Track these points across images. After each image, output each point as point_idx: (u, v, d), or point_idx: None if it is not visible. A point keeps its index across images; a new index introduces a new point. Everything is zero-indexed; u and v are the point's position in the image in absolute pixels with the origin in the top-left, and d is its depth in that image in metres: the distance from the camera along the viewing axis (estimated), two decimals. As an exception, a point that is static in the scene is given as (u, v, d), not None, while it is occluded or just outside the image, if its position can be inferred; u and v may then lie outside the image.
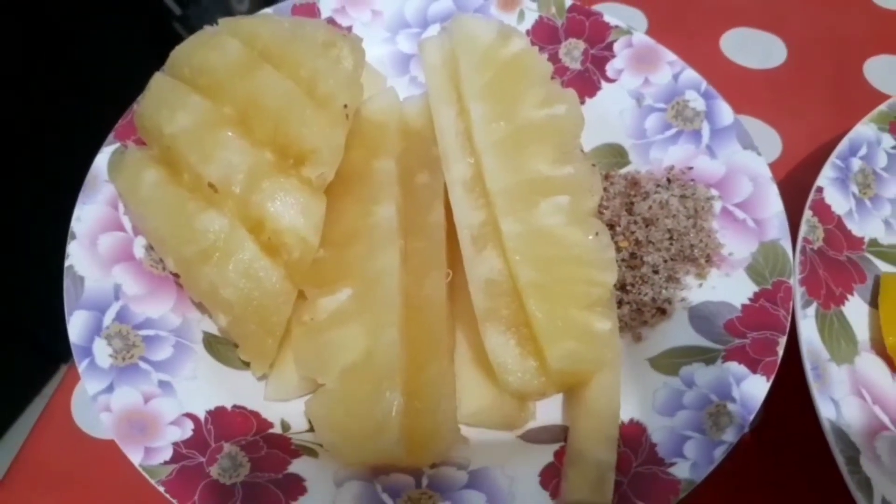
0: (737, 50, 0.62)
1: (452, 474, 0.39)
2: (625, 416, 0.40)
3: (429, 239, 0.43)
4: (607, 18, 0.54)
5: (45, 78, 0.82)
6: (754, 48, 0.62)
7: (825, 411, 0.38)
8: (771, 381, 0.39)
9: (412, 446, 0.38)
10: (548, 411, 0.42)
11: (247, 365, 0.42)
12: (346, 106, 0.43)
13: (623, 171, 0.50)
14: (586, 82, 0.53)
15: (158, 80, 0.44)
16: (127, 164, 0.43)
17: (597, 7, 0.63)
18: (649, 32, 0.63)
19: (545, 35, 0.55)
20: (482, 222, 0.43)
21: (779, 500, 0.42)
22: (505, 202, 0.43)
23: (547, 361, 0.39)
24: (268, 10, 0.54)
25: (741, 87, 0.59)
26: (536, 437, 0.41)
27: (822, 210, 0.45)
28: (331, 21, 0.55)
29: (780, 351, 0.40)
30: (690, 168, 0.48)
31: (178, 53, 0.45)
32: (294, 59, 0.44)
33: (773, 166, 0.55)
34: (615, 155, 0.51)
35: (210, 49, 0.44)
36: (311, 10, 0.55)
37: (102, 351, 0.40)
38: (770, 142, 0.57)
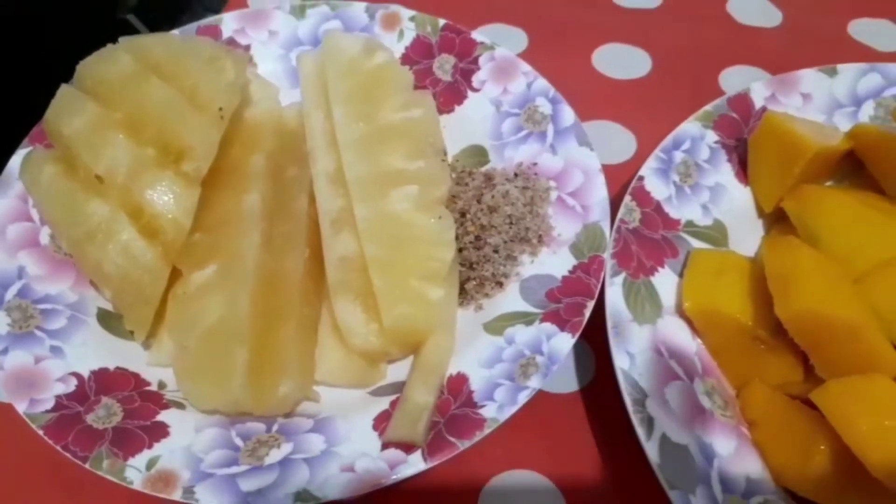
0: (607, 63, 0.69)
1: (300, 422, 0.45)
2: (454, 369, 0.46)
3: (293, 223, 0.50)
4: (475, 36, 0.61)
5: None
6: (622, 61, 0.69)
7: (619, 361, 0.44)
8: (576, 337, 0.45)
9: (262, 398, 0.44)
10: (399, 373, 0.48)
11: (133, 335, 0.48)
12: (221, 109, 0.49)
13: (483, 168, 0.57)
14: (455, 92, 0.60)
15: (63, 91, 0.51)
16: (31, 161, 0.49)
17: (482, 27, 0.71)
18: (529, 50, 0.70)
19: (421, 51, 0.62)
20: (340, 208, 0.50)
21: (598, 444, 0.48)
22: (359, 190, 0.49)
23: (382, 321, 0.45)
24: (174, 32, 0.61)
25: (608, 97, 0.66)
26: (382, 392, 0.47)
27: (642, 195, 0.51)
28: (231, 40, 0.62)
29: (587, 312, 0.46)
30: (535, 164, 0.55)
31: (82, 67, 0.51)
32: (181, 70, 0.51)
33: (626, 164, 0.62)
34: (478, 155, 0.58)
35: (106, 63, 0.50)
36: (215, 31, 0.62)
37: (1, 321, 0.46)
38: (626, 143, 0.63)
